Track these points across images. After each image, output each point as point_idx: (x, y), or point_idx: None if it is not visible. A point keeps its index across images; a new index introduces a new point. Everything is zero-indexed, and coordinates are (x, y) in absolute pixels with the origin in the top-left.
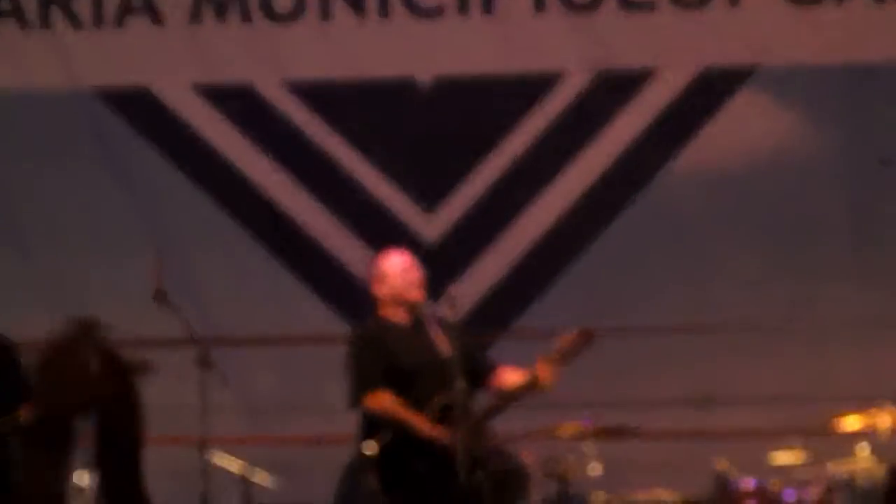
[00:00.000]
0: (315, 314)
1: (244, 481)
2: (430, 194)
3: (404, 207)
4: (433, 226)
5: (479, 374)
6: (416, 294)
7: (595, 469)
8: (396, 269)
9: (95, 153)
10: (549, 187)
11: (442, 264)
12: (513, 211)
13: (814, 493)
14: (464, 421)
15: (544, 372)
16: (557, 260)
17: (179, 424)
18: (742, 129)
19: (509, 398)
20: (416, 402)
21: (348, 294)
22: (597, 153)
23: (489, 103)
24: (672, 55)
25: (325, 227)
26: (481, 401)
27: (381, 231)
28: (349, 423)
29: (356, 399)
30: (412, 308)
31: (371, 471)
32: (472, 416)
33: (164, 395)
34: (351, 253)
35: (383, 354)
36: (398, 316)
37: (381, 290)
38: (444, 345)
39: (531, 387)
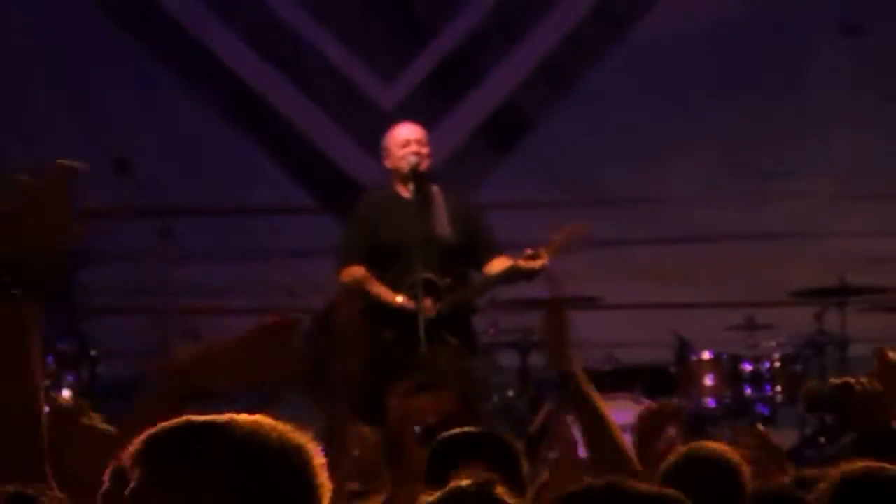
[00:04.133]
0: (275, 182)
1: None
2: (388, 62)
3: (363, 75)
4: (391, 93)
5: (478, 255)
6: (406, 166)
7: None
8: (394, 141)
9: (46, 14)
10: (508, 55)
11: None
12: (470, 79)
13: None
14: (436, 300)
15: (525, 264)
16: (516, 127)
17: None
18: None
19: (485, 285)
20: (397, 276)
21: (308, 162)
22: (560, 14)
23: None
24: None
25: (285, 96)
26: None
27: (339, 99)
28: None
29: (336, 270)
30: (412, 181)
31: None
32: (441, 296)
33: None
34: (310, 120)
35: (368, 227)
36: (403, 189)
37: (386, 163)
38: (442, 223)
39: (509, 276)
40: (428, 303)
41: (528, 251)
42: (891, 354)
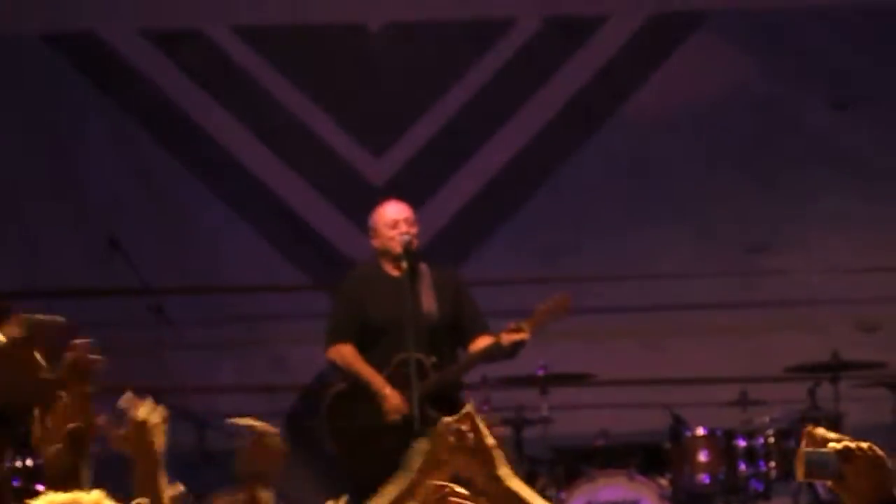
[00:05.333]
0: (264, 260)
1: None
2: (378, 139)
3: (352, 151)
4: (381, 169)
5: (464, 333)
6: (397, 247)
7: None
8: (383, 221)
9: (42, 98)
10: (498, 133)
11: None
12: (461, 156)
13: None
14: (419, 379)
15: (507, 338)
16: (504, 206)
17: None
18: (693, 74)
19: (469, 363)
20: (383, 355)
21: (297, 239)
22: (546, 98)
23: (439, 49)
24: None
25: (274, 172)
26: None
27: (329, 175)
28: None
29: (325, 347)
30: (401, 261)
31: (322, 417)
32: (427, 375)
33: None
34: (300, 197)
35: (356, 305)
36: (391, 267)
37: (373, 242)
38: (429, 301)
39: (492, 353)
40: (397, 400)
41: (511, 325)
42: (818, 431)
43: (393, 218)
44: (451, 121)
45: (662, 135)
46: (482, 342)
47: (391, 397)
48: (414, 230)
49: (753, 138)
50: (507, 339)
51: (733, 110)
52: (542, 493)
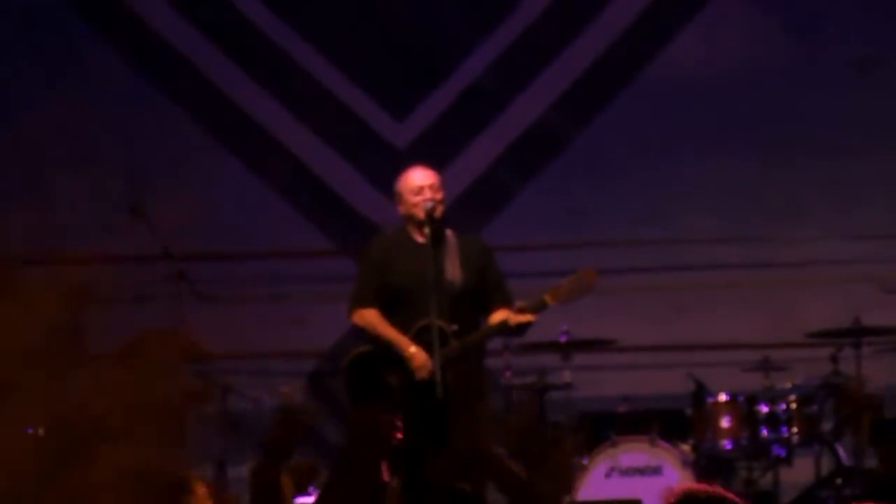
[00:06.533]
0: (288, 224)
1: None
2: (400, 102)
3: (375, 115)
4: (403, 133)
5: (488, 303)
6: (421, 213)
7: (567, 377)
8: (407, 187)
9: (65, 63)
10: (520, 94)
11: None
12: (483, 118)
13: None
14: (440, 345)
15: (514, 318)
16: (530, 166)
17: None
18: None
19: (484, 335)
20: (405, 321)
21: (320, 202)
22: (567, 59)
23: (460, 10)
24: None
25: (297, 136)
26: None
27: (351, 138)
28: None
29: (348, 311)
30: (425, 227)
31: (343, 381)
32: (448, 342)
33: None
34: (322, 160)
35: (381, 270)
36: (417, 233)
37: (399, 209)
38: (453, 268)
39: (501, 330)
40: (423, 357)
41: (519, 303)
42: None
43: (418, 184)
44: (475, 83)
45: (684, 99)
46: (498, 316)
47: (417, 355)
48: (439, 196)
49: (775, 104)
50: (515, 319)
51: (755, 76)
52: (566, 459)
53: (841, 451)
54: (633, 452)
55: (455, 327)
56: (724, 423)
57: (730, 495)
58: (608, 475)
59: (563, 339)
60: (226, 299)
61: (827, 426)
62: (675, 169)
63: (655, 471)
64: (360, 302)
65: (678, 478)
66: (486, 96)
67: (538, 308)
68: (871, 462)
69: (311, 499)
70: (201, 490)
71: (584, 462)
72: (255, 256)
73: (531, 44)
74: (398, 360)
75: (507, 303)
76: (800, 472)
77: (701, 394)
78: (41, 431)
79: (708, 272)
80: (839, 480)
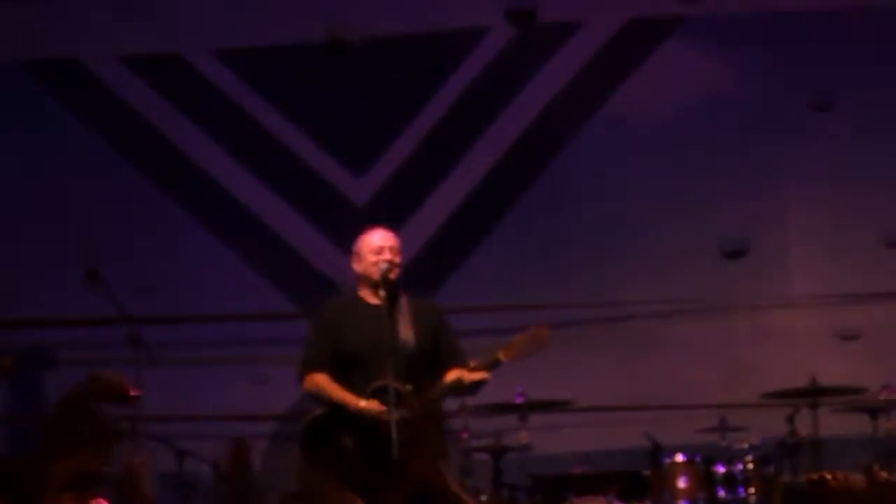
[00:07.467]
0: (246, 283)
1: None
2: (358, 158)
3: (333, 171)
4: (362, 189)
5: (441, 364)
6: (376, 273)
7: (524, 438)
8: (368, 247)
9: (23, 126)
10: (474, 146)
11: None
12: (440, 171)
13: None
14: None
15: (468, 377)
16: (485, 216)
17: None
18: (669, 79)
19: (439, 394)
20: (360, 384)
21: (279, 261)
22: (521, 107)
23: (414, 62)
24: (599, 5)
25: (255, 194)
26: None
27: (311, 195)
28: None
29: (298, 376)
30: (381, 288)
31: (299, 446)
32: (403, 403)
33: None
34: (281, 218)
35: (332, 334)
36: (370, 294)
37: (355, 267)
38: (406, 330)
39: (456, 388)
40: (374, 404)
41: (472, 363)
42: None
43: (378, 244)
44: (429, 136)
45: (636, 147)
46: (452, 375)
47: (368, 406)
48: (397, 259)
49: (730, 143)
50: (469, 377)
51: (710, 116)
52: None
53: None
54: None
55: (409, 388)
56: (681, 483)
57: None
58: None
59: (519, 400)
60: (183, 362)
61: None
62: (629, 220)
63: None
64: (309, 366)
65: None
66: (442, 148)
67: (492, 365)
68: None
69: None
70: None
71: None
72: (212, 319)
73: (480, 93)
74: (353, 420)
75: (460, 362)
76: None
77: (657, 454)
78: None
79: (661, 317)
80: None
